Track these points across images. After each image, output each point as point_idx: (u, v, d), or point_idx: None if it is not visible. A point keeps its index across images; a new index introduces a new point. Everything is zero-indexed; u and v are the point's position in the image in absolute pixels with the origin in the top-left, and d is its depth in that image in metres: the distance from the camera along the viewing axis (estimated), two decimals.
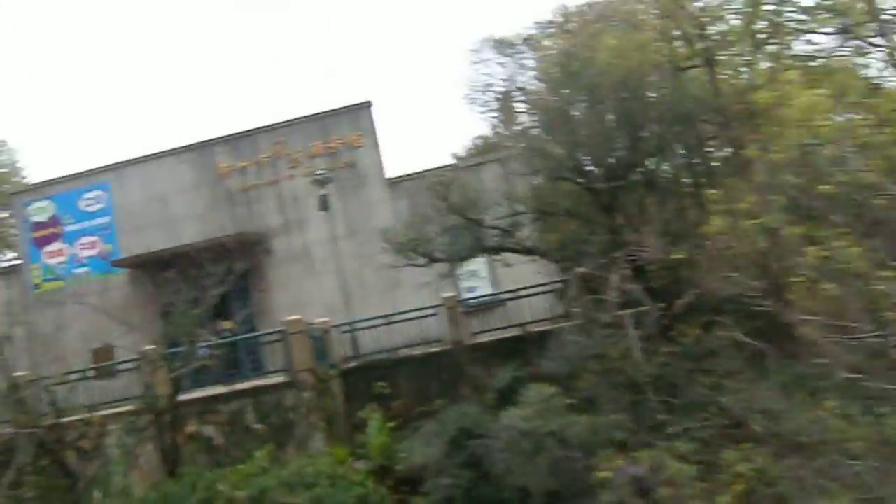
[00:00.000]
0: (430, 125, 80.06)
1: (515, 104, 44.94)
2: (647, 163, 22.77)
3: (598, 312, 19.73)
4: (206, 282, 24.33)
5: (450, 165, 32.44)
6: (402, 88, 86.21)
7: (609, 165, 22.14)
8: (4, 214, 52.08)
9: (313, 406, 23.17)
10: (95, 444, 23.22)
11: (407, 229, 24.23)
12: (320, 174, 30.19)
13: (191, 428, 22.49)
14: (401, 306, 28.30)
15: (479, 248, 23.41)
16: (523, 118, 44.68)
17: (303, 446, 22.71)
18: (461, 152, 49.19)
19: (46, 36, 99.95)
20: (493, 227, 22.90)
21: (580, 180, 22.64)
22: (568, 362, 18.78)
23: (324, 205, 29.93)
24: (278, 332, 25.04)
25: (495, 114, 46.52)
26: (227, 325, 30.69)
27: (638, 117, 22.10)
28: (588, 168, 22.59)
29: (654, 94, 23.21)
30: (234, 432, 23.07)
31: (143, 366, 23.74)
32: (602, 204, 22.37)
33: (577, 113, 23.10)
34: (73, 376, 25.00)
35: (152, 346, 23.84)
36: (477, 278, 30.56)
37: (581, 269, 21.16)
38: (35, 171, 63.80)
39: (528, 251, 23.30)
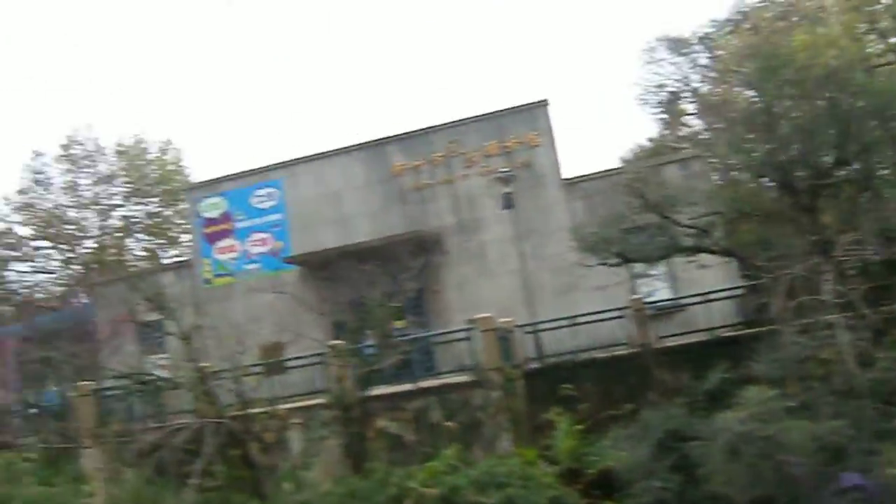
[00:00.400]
0: (601, 125, 79.23)
1: (685, 104, 44.13)
2: (855, 161, 21.58)
3: (809, 316, 18.69)
4: (385, 279, 24.14)
5: (632, 165, 31.41)
6: (574, 88, 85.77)
7: (814, 164, 21.06)
8: (169, 212, 53.11)
9: (501, 406, 22.62)
10: (277, 437, 23.07)
11: (600, 227, 23.41)
12: (504, 172, 29.76)
13: (380, 423, 22.14)
14: (577, 309, 27.50)
15: (675, 249, 22.46)
16: (692, 118, 43.95)
17: (489, 446, 22.15)
18: (631, 153, 48.32)
19: (218, 35, 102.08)
20: (690, 227, 21.95)
21: (782, 179, 21.60)
22: (782, 366, 17.80)
23: (507, 203, 29.51)
24: (466, 329, 24.54)
25: (665, 114, 45.60)
26: (399, 324, 30.37)
27: (846, 114, 20.97)
28: (790, 167, 21.53)
29: (854, 91, 22.06)
30: (419, 430, 22.66)
31: (330, 360, 23.51)
32: (803, 204, 21.31)
33: (778, 110, 22.05)
34: (255, 369, 24.90)
35: (339, 341, 23.65)
36: (656, 281, 29.71)
37: (788, 271, 20.10)
38: (202, 170, 65.07)
39: (725, 252, 22.34)
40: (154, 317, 28.97)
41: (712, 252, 22.42)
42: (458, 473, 19.80)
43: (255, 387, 22.40)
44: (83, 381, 28.11)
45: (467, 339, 24.15)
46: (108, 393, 27.91)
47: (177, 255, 51.47)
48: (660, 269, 28.50)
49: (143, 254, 53.06)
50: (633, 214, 22.55)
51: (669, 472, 17.45)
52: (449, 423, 22.25)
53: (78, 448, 27.37)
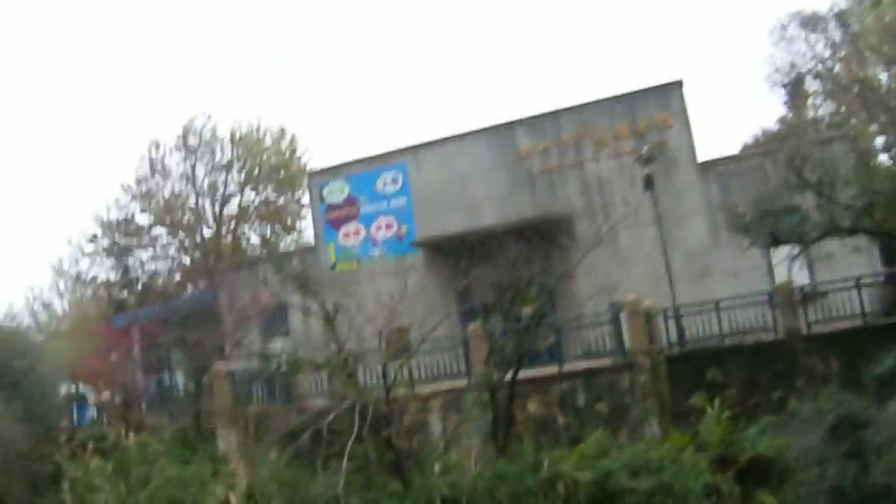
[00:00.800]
0: (725, 107, 77.32)
1: (814, 84, 42.94)
2: None
3: None
4: (516, 262, 23.75)
5: (790, 143, 30.19)
6: (702, 68, 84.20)
7: None
8: (282, 201, 53.24)
9: (648, 390, 22.09)
10: (418, 420, 22.86)
11: (753, 207, 22.69)
12: (645, 152, 29.08)
13: (531, 406, 21.73)
14: (710, 295, 26.96)
15: (832, 229, 21.56)
16: (821, 99, 42.74)
17: (636, 431, 21.67)
18: (754, 137, 47.10)
19: (339, 19, 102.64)
20: (849, 207, 21.05)
21: None
22: None
23: (648, 184, 28.83)
24: (612, 312, 24.11)
25: (792, 95, 44.27)
26: (526, 309, 29.90)
27: None
28: None
29: None
30: (563, 413, 22.25)
31: (474, 342, 23.25)
32: None
33: None
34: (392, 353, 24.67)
35: (479, 323, 23.37)
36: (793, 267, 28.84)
37: None
38: (319, 157, 65.27)
39: (885, 234, 21.48)
40: (282, 300, 29.07)
41: (870, 233, 21.60)
42: (609, 458, 19.35)
43: (400, 368, 22.14)
44: (216, 362, 28.27)
45: (611, 322, 23.71)
46: (243, 375, 28.04)
47: (292, 243, 51.68)
48: (798, 254, 27.74)
49: (259, 241, 53.25)
50: (790, 193, 21.76)
51: (844, 458, 16.71)
52: (598, 406, 21.80)
53: (212, 429, 27.50)
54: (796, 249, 25.45)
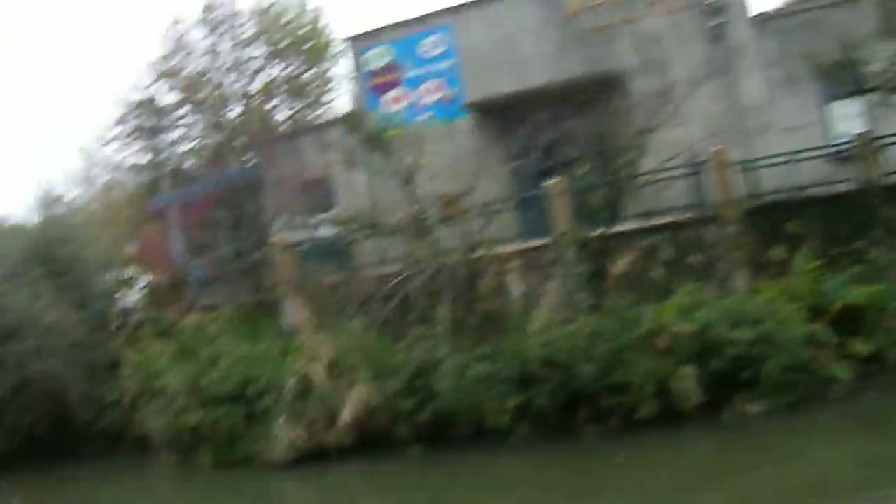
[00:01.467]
0: None
1: None
2: None
3: None
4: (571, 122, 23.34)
5: None
6: None
7: None
8: (309, 75, 52.35)
9: (736, 243, 21.80)
10: (496, 282, 22.60)
11: (839, 52, 22.12)
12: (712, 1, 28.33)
13: (620, 261, 21.41)
14: (767, 151, 26.40)
15: None
16: None
17: (724, 284, 21.44)
18: None
19: None
20: None
21: None
22: None
23: (717, 36, 28.07)
24: (692, 164, 23.75)
25: None
26: (580, 169, 29.52)
27: None
28: None
29: None
30: (650, 268, 21.99)
31: (555, 199, 22.89)
32: None
33: None
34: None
35: (558, 180, 22.99)
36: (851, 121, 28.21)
37: None
38: (354, 24, 63.49)
39: None
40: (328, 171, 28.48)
41: None
42: (707, 310, 19.16)
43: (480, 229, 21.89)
44: (274, 235, 27.94)
45: (692, 174, 23.42)
46: (304, 246, 27.77)
47: (321, 115, 50.87)
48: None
49: (288, 116, 52.42)
50: (875, 40, 21.20)
51: None
52: (692, 259, 21.56)
53: (275, 304, 27.23)
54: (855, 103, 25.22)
